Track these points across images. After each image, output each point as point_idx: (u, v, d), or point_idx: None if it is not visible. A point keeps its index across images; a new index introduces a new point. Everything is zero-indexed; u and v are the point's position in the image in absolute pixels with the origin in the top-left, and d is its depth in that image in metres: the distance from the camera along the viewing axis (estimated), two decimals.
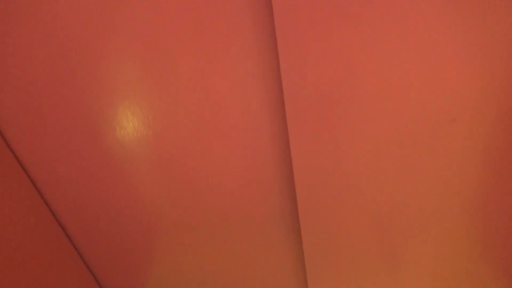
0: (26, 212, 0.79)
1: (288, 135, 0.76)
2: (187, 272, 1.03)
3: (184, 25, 0.68)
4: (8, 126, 0.79)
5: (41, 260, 0.80)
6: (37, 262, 0.78)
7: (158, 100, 0.77)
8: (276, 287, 1.04)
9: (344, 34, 0.65)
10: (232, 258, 1.00)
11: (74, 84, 0.75)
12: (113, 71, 0.74)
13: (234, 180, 0.86)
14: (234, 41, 0.70)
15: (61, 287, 0.85)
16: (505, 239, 0.85)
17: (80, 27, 0.69)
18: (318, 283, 1.00)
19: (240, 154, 0.83)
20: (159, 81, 0.74)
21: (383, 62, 0.67)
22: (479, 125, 0.72)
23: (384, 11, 0.63)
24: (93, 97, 0.76)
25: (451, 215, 0.85)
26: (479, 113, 0.71)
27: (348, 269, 0.97)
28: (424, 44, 0.65)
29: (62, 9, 0.67)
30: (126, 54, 0.72)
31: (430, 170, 0.79)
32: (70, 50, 0.71)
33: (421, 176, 0.79)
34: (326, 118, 0.73)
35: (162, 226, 0.94)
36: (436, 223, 0.86)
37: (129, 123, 0.79)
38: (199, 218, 0.92)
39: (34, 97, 0.76)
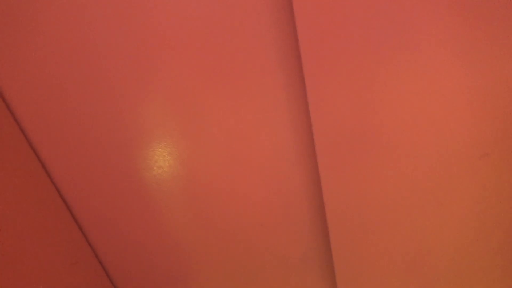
0: (66, 247, 0.82)
1: (319, 174, 0.77)
2: None
3: (217, 70, 0.73)
4: (54, 165, 0.84)
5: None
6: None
7: (193, 141, 0.81)
8: None
9: (371, 73, 0.67)
10: None
11: (114, 126, 0.80)
12: (151, 115, 0.79)
13: (267, 220, 0.87)
14: (264, 83, 0.73)
15: None
16: None
17: (119, 74, 0.75)
18: None
19: (273, 194, 0.84)
20: (194, 122, 0.79)
21: (412, 99, 0.69)
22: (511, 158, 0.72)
23: (411, 50, 0.65)
24: (132, 138, 0.81)
25: (486, 252, 0.82)
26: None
27: None
28: (455, 80, 0.67)
29: (100, 59, 0.74)
30: (162, 100, 0.77)
31: (463, 206, 0.77)
32: (110, 95, 0.77)
33: (454, 212, 0.78)
34: (356, 155, 0.74)
35: (194, 264, 0.95)
36: (471, 261, 0.83)
37: (166, 163, 0.84)
38: (232, 257, 0.93)
39: (77, 137, 0.81)
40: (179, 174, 0.84)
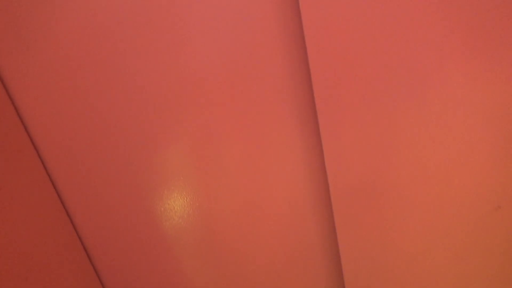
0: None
1: (334, 223, 0.77)
2: None
3: (235, 121, 0.74)
4: (77, 213, 0.82)
5: None
6: None
7: (209, 187, 0.79)
8: None
9: (386, 124, 0.68)
10: None
11: (135, 178, 0.79)
12: (171, 166, 0.78)
13: (282, 268, 0.85)
14: (281, 133, 0.74)
15: None
16: None
17: (136, 123, 0.74)
18: None
19: (289, 242, 0.83)
20: (211, 169, 0.78)
21: (426, 151, 0.69)
22: None
23: (425, 104, 0.66)
24: (148, 181, 0.79)
25: None
26: None
27: None
28: (469, 134, 0.67)
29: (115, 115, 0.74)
30: (182, 150, 0.77)
31: (477, 257, 0.76)
32: (127, 148, 0.76)
33: (469, 264, 0.77)
34: (372, 205, 0.74)
35: None
36: None
37: (185, 211, 0.82)
38: None
39: (100, 188, 0.80)
40: (193, 219, 0.82)
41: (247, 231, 0.82)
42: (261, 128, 0.73)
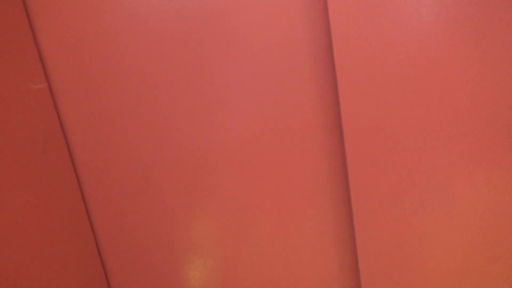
0: None
1: None
2: None
3: (265, 189, 0.74)
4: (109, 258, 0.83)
5: None
6: None
7: (233, 258, 0.80)
8: None
9: (415, 211, 0.68)
10: None
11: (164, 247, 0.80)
12: (201, 241, 0.79)
13: None
14: (310, 202, 0.74)
15: None
16: None
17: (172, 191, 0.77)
18: None
19: None
20: (242, 244, 0.79)
21: (443, 223, 0.69)
22: None
23: (452, 190, 0.67)
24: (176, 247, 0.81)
25: None
26: None
27: None
28: (486, 202, 0.67)
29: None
30: (211, 219, 0.78)
31: None
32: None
33: None
34: (399, 275, 0.73)
35: None
36: None
37: (202, 273, 0.82)
38: None
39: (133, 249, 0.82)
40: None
41: None
42: (291, 200, 0.74)
